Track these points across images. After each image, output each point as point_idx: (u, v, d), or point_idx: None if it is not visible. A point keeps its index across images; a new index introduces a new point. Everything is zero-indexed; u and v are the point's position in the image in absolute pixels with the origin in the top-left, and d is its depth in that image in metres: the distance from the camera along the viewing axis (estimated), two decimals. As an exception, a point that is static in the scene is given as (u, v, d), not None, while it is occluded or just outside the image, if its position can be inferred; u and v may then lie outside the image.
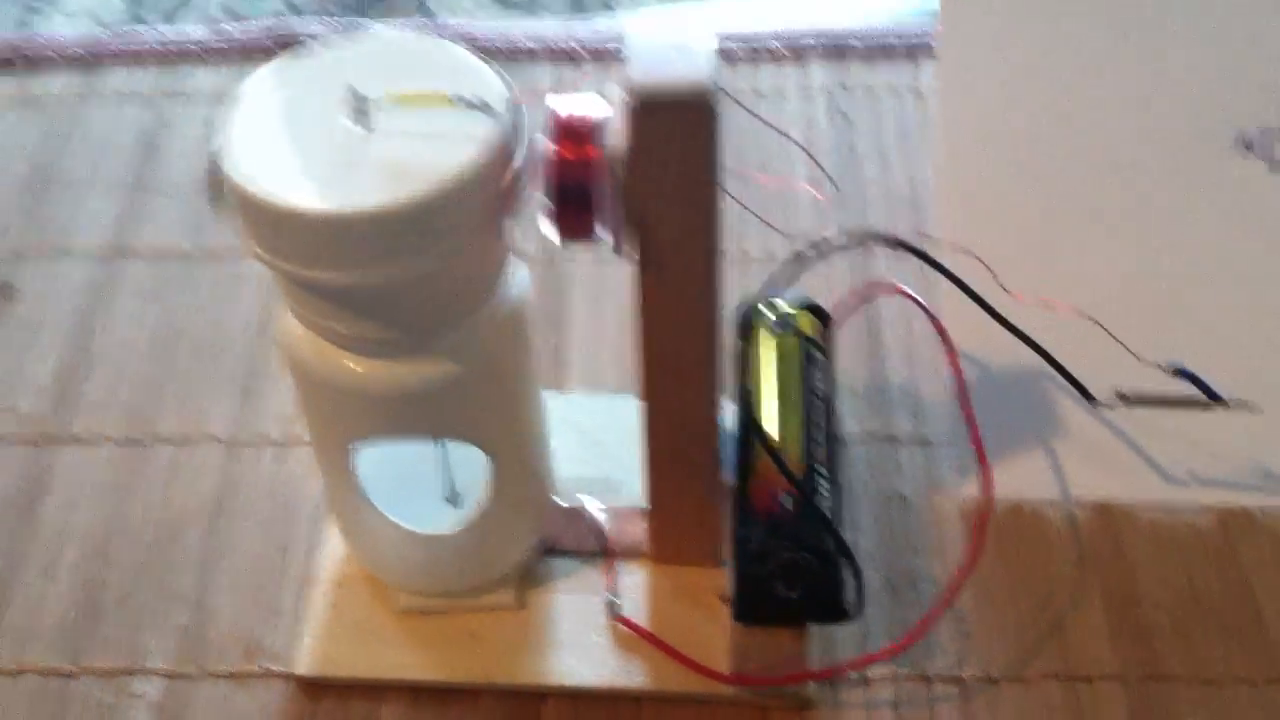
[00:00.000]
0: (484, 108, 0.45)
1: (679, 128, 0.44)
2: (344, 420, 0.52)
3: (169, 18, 1.65)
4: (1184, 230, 0.61)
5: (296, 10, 1.65)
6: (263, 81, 0.47)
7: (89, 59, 0.84)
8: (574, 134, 0.45)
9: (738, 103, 0.51)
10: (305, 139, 0.45)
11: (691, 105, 0.44)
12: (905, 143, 0.77)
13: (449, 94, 0.45)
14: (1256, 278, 0.61)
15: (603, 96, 0.46)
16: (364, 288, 0.46)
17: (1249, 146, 0.61)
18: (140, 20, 1.64)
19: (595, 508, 0.59)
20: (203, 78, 0.83)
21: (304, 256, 0.45)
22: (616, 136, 0.45)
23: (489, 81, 0.46)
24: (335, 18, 0.87)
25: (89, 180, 0.77)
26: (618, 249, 0.47)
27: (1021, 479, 0.61)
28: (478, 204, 0.45)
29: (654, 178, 0.45)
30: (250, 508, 0.63)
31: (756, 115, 0.76)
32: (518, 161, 0.47)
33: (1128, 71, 0.61)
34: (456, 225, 0.45)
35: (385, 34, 0.50)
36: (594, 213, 0.46)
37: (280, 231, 0.44)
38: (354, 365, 0.49)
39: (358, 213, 0.43)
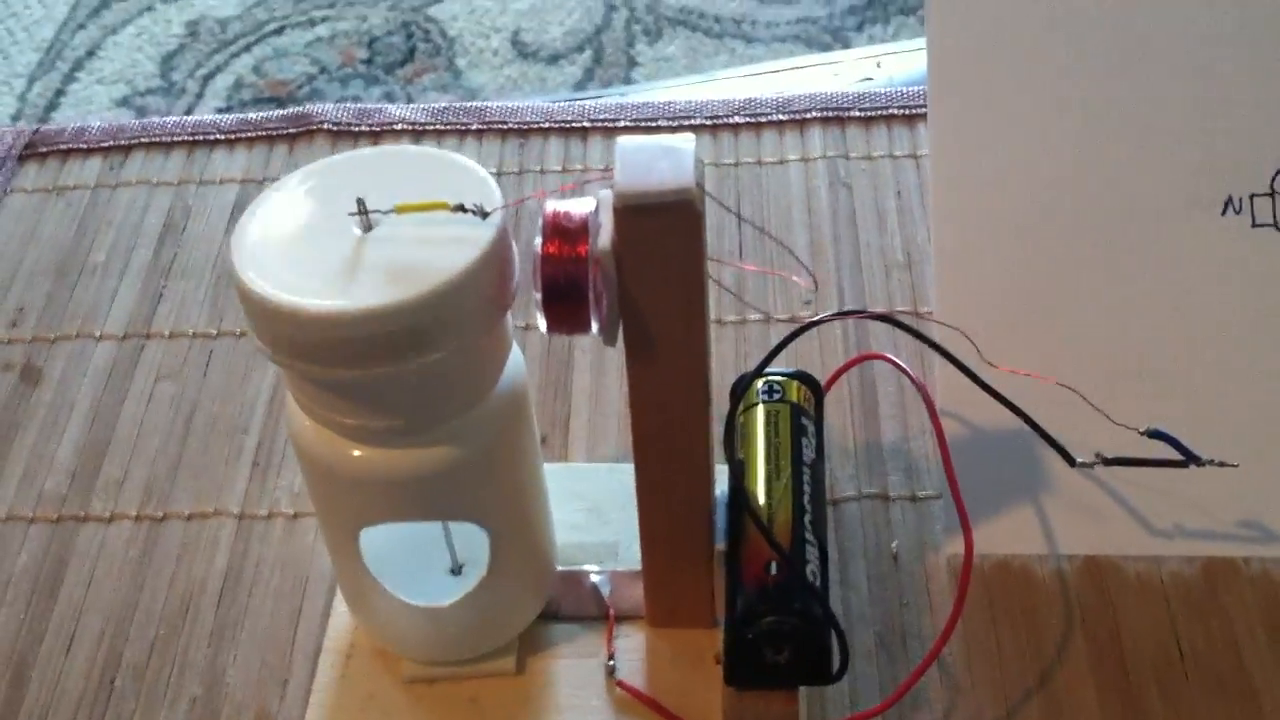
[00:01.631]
0: (481, 214, 0.47)
1: (664, 228, 0.46)
2: (350, 505, 0.53)
3: (201, 81, 1.67)
4: (1172, 292, 0.62)
5: (325, 70, 1.68)
6: (276, 193, 0.50)
7: (114, 148, 0.87)
8: (563, 232, 0.47)
9: (721, 204, 0.53)
10: (312, 245, 0.47)
11: (675, 207, 0.46)
12: (904, 209, 0.79)
13: (449, 202, 0.47)
14: (1236, 334, 0.62)
15: (595, 197, 0.48)
16: (366, 384, 0.48)
17: (1238, 211, 0.62)
18: (172, 84, 1.67)
19: (595, 573, 0.61)
20: (226, 163, 0.85)
21: (308, 355, 0.47)
22: (605, 235, 0.47)
23: (486, 188, 0.48)
24: (351, 103, 0.90)
25: (112, 265, 0.79)
26: (609, 341, 0.49)
27: (1010, 535, 0.62)
28: (475, 303, 0.47)
29: (641, 274, 0.47)
30: (262, 580, 0.64)
31: (737, 214, 0.78)
32: (513, 264, 0.49)
33: (1118, 138, 0.62)
34: (455, 324, 0.47)
35: (391, 148, 0.52)
36: (583, 306, 0.48)
37: (286, 330, 0.46)
38: (358, 454, 0.50)
39: (359, 311, 0.45)
